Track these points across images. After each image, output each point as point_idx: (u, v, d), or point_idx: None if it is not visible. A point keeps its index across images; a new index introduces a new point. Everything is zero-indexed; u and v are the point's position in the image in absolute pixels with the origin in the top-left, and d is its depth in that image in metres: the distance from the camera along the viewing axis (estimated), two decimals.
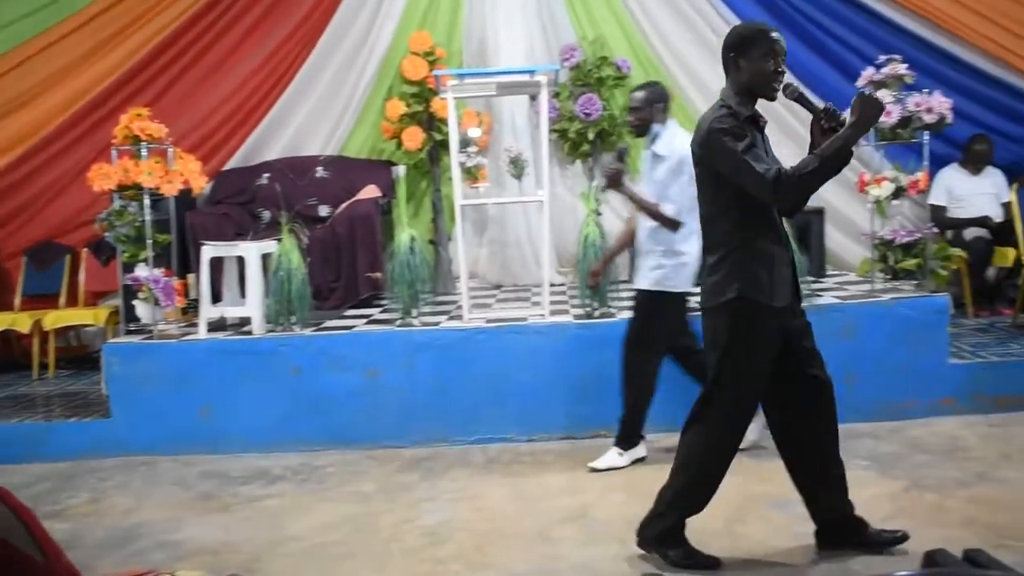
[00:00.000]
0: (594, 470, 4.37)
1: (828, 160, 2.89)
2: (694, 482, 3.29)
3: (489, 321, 5.08)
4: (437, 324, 5.14)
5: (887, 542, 3.25)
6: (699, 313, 3.32)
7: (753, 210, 3.08)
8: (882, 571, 2.44)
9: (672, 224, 4.19)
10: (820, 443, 3.32)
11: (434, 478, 4.47)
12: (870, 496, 3.90)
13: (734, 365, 3.16)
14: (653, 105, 4.24)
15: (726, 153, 3.00)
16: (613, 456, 4.42)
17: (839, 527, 3.34)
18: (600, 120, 6.37)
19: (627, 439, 4.44)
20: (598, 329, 4.91)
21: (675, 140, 4.21)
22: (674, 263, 4.22)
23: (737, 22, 6.65)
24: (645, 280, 4.30)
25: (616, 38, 6.72)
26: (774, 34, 3.07)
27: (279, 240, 5.20)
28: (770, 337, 3.15)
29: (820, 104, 3.06)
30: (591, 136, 6.40)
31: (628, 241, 4.67)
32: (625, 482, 4.20)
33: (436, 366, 4.94)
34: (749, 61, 3.06)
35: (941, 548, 1.70)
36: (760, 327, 3.13)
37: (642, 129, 4.30)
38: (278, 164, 6.72)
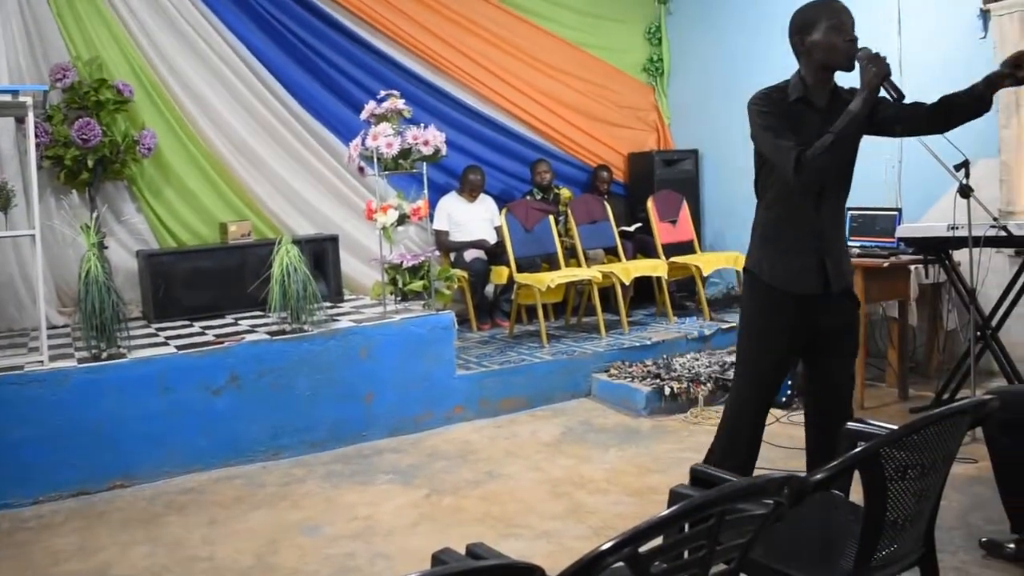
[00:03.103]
0: None
1: (841, 135, 2.89)
2: (723, 441, 3.32)
3: None
4: None
5: None
6: None
7: (782, 193, 3.07)
8: None
9: None
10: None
11: None
12: (395, 507, 4.10)
13: (740, 334, 3.28)
14: None
15: (755, 128, 3.04)
16: None
17: None
18: (100, 146, 5.92)
19: None
20: (107, 372, 4.55)
21: None
22: None
23: (246, 52, 6.67)
24: None
25: (116, 60, 6.31)
26: (835, 4, 2.97)
27: None
28: (772, 317, 3.14)
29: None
30: (91, 163, 5.93)
31: None
32: (147, 535, 3.93)
33: None
34: (817, 37, 2.95)
35: (446, 548, 1.82)
36: (760, 303, 3.17)
37: None
38: None
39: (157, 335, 5.30)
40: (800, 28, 3.00)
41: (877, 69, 2.81)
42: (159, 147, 6.30)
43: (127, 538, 3.91)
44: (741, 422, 3.24)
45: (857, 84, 2.90)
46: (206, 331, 5.33)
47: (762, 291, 3.16)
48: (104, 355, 4.66)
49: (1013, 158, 5.48)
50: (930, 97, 2.97)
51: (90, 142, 5.82)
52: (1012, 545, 3.14)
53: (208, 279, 5.90)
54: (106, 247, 5.80)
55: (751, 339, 3.24)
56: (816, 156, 2.87)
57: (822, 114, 3.00)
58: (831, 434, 3.08)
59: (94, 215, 5.50)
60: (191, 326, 5.55)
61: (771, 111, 3.02)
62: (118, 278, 5.85)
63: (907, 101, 2.95)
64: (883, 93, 2.88)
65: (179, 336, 5.21)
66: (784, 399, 5.19)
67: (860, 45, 2.92)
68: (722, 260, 6.94)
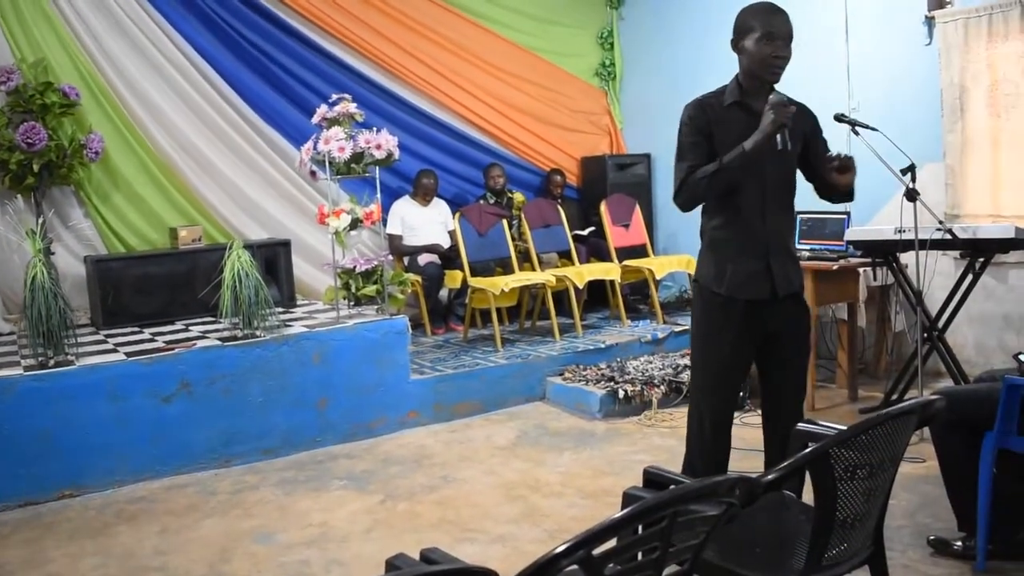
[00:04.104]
0: None
1: (726, 167, 2.94)
2: (690, 452, 3.33)
3: None
4: None
5: None
6: None
7: (726, 202, 3.07)
8: None
9: None
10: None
11: None
12: (349, 513, 4.07)
13: (694, 345, 3.28)
14: None
15: (678, 139, 3.09)
16: None
17: None
18: (46, 151, 5.81)
19: None
20: (55, 380, 4.46)
21: None
22: None
23: (195, 55, 6.59)
24: None
25: (62, 63, 6.19)
26: (774, 16, 2.95)
27: None
28: (722, 324, 3.13)
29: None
30: (36, 168, 5.82)
31: None
32: (97, 546, 3.86)
33: None
34: (748, 44, 2.96)
35: (401, 553, 1.81)
36: (710, 311, 3.17)
37: None
38: None
39: (106, 342, 5.21)
40: (737, 29, 3.03)
41: (776, 117, 2.88)
42: (107, 151, 6.20)
43: (76, 549, 3.83)
44: (704, 431, 3.25)
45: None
46: (156, 337, 5.26)
47: (711, 299, 3.18)
48: (51, 363, 4.57)
49: (958, 162, 5.60)
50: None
51: (35, 146, 5.71)
52: (959, 543, 3.20)
53: (158, 285, 5.81)
54: (53, 253, 5.69)
55: (704, 348, 3.26)
56: (696, 182, 3.01)
57: (759, 118, 2.99)
58: (785, 435, 3.08)
59: (40, 220, 5.40)
60: (141, 333, 5.47)
61: (691, 126, 3.09)
62: (65, 284, 5.74)
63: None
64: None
65: (128, 343, 5.13)
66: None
67: (790, 64, 2.97)
68: (675, 263, 6.99)
